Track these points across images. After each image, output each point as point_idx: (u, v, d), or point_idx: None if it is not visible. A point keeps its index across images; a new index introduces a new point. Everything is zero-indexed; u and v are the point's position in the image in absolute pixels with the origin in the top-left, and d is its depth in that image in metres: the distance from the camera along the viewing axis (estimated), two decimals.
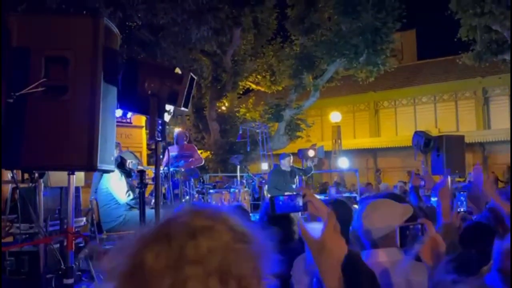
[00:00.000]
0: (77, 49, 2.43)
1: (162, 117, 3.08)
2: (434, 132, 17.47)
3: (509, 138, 19.20)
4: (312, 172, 9.42)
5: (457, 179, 7.97)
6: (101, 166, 2.49)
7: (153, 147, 3.22)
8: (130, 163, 4.78)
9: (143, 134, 10.27)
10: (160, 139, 3.13)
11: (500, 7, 11.09)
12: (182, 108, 3.12)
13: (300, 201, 1.91)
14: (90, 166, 2.45)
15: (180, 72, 3.08)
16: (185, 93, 3.04)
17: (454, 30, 13.14)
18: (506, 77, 18.78)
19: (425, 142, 7.25)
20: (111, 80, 2.62)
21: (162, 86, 2.96)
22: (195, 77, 3.23)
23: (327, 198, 9.19)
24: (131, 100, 3.02)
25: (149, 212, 4.13)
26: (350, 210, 3.08)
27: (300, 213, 2.79)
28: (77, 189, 5.49)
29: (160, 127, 3.12)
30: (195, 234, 0.81)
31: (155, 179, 3.31)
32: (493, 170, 18.87)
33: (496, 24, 11.73)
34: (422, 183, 4.51)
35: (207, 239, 0.81)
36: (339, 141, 17.97)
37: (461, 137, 7.85)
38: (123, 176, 4.87)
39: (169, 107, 3.15)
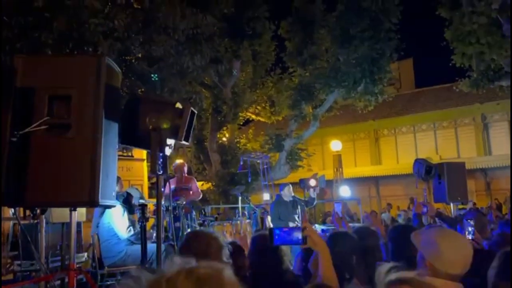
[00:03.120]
0: (80, 88, 2.49)
1: (163, 151, 3.13)
2: (435, 159, 17.50)
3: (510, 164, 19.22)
4: (315, 203, 9.38)
5: (460, 206, 7.93)
6: (102, 201, 2.51)
7: (154, 180, 3.24)
8: (134, 199, 4.80)
9: (144, 167, 10.30)
10: (161, 172, 3.16)
11: (494, 36, 11.31)
12: (183, 142, 3.17)
13: (299, 235, 1.96)
14: (91, 202, 2.47)
15: (181, 106, 3.15)
16: (186, 127, 3.09)
17: (451, 58, 13.34)
18: (504, 103, 18.96)
19: (426, 170, 7.24)
20: (112, 117, 2.67)
21: (163, 121, 3.01)
22: (196, 111, 3.30)
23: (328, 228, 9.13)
24: (133, 135, 3.08)
25: (150, 246, 4.12)
26: (352, 240, 3.09)
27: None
28: (78, 224, 5.47)
29: (161, 161, 3.16)
30: None
31: (157, 212, 3.32)
32: (496, 197, 18.78)
33: (492, 53, 11.93)
34: (425, 209, 4.52)
35: None
36: (340, 169, 17.97)
37: (462, 164, 7.85)
38: (125, 212, 4.87)
39: (170, 141, 3.20)
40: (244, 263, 3.09)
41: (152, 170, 3.10)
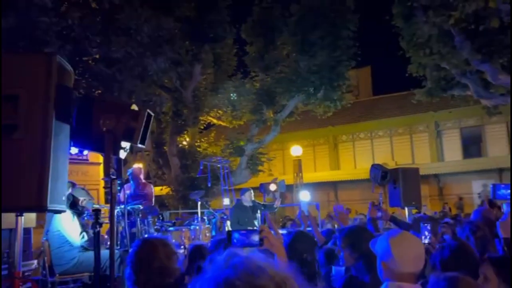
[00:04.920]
0: (29, 87, 2.38)
1: (117, 154, 3.03)
2: (391, 165, 17.99)
3: (460, 170, 20.08)
4: (276, 209, 9.41)
5: (414, 210, 8.17)
6: (51, 206, 2.41)
7: (108, 185, 3.14)
8: (82, 201, 4.62)
9: (101, 171, 10.00)
10: (115, 177, 3.07)
11: (446, 47, 11.79)
12: (139, 145, 3.09)
13: (256, 237, 2.00)
14: (39, 206, 2.36)
15: (136, 108, 3.07)
16: (142, 129, 3.01)
17: (407, 67, 13.79)
18: (456, 111, 19.80)
19: (382, 175, 7.43)
20: (63, 118, 2.57)
21: (117, 123, 2.92)
22: (152, 114, 3.22)
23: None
24: (86, 138, 2.97)
25: (104, 252, 3.99)
26: (311, 239, 3.21)
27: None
28: (27, 230, 5.24)
29: (115, 164, 3.06)
30: None
31: (110, 218, 3.21)
32: (446, 201, 19.54)
33: (444, 63, 12.43)
34: (379, 214, 4.60)
35: None
36: (300, 174, 18.13)
37: (416, 169, 8.10)
38: (75, 217, 4.70)
39: (125, 144, 3.10)
40: None
41: (106, 174, 3.00)
